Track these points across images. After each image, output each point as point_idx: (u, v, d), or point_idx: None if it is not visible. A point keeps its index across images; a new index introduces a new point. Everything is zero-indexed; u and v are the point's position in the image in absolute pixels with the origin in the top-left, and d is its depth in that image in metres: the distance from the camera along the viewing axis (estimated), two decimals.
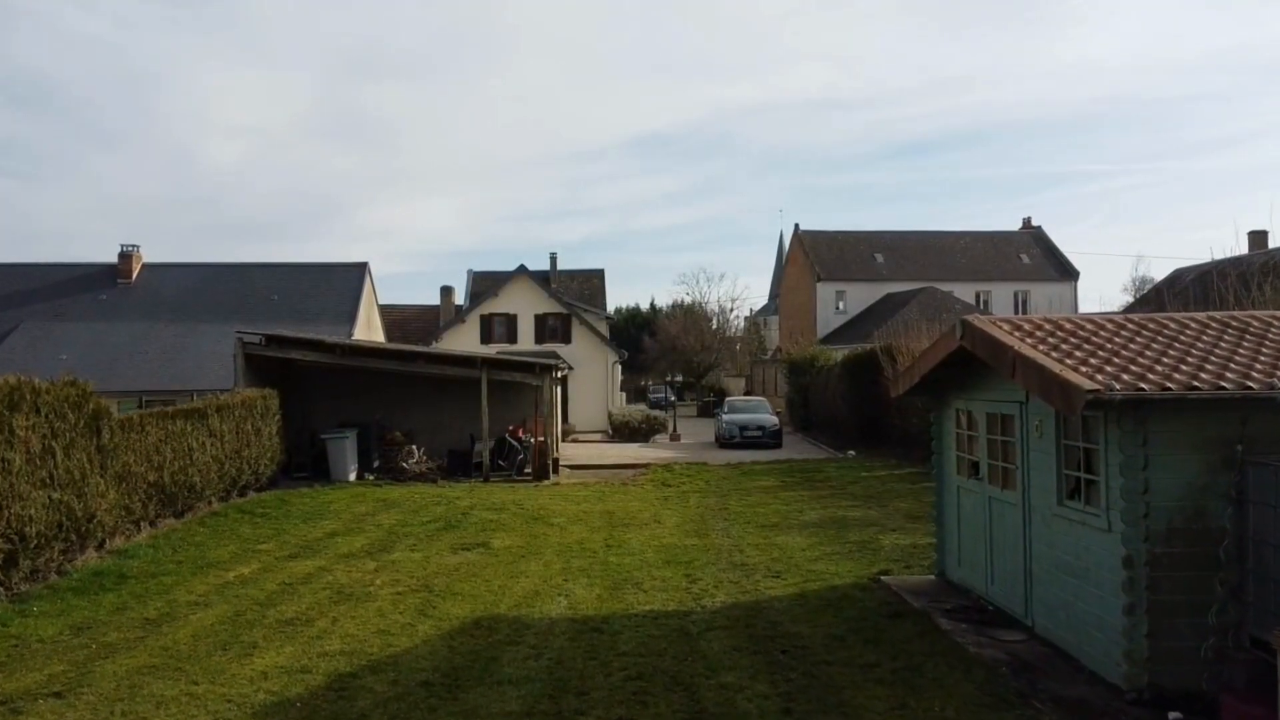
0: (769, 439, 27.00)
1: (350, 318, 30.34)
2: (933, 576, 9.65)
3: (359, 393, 21.84)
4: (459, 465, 20.09)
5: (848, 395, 25.31)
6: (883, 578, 9.71)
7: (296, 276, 32.28)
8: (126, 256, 31.72)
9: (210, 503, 15.14)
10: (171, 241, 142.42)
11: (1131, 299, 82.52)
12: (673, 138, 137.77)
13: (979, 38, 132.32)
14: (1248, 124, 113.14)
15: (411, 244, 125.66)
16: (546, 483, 19.11)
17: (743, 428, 27.29)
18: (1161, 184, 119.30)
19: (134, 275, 31.78)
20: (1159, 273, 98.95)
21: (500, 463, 20.80)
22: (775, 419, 28.07)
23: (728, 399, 32.57)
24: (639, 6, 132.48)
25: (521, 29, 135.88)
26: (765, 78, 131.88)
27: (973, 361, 8.25)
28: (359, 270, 32.90)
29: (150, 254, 33.06)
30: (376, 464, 20.48)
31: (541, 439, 19.84)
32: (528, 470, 20.22)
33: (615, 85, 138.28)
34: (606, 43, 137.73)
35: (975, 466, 8.61)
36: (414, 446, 20.74)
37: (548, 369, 19.73)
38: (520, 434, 21.23)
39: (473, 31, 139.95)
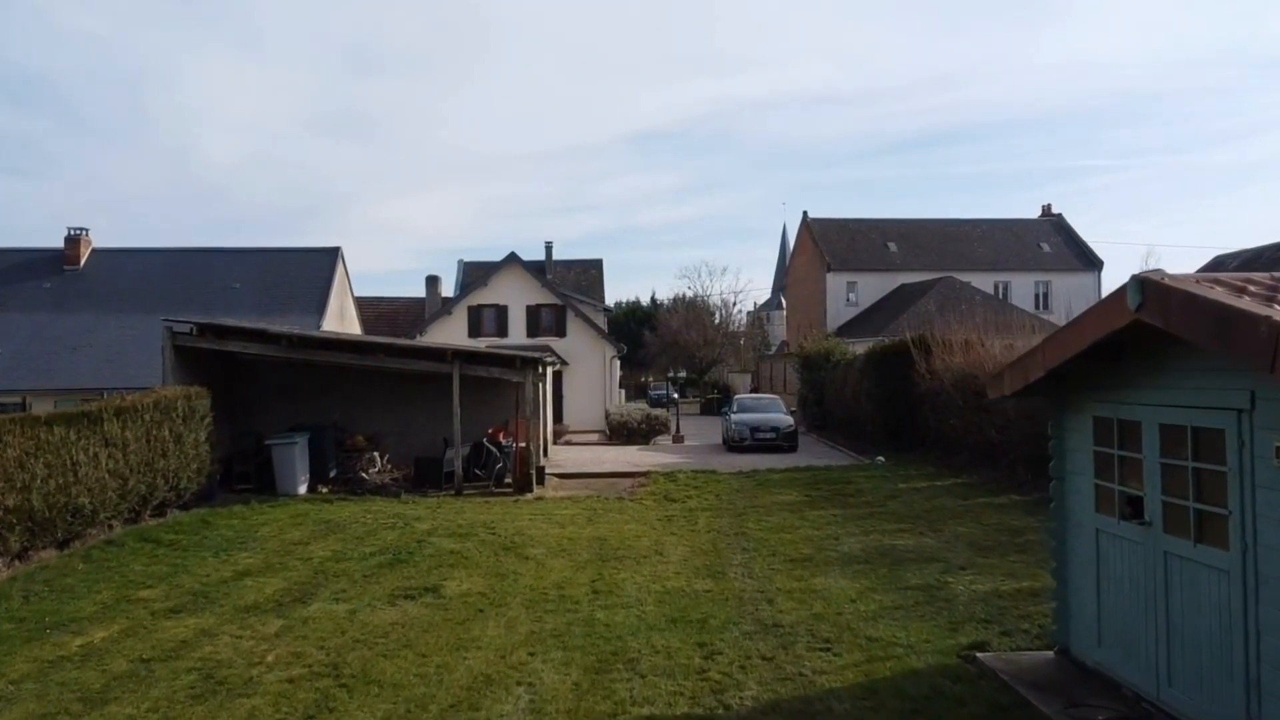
0: (783, 441, 24.16)
1: (320, 307, 27.50)
2: (1051, 653, 6.82)
3: (317, 391, 19.06)
4: (428, 475, 17.27)
5: (874, 392, 22.49)
6: (979, 655, 6.88)
7: (261, 263, 29.39)
8: (74, 241, 28.82)
9: (110, 527, 12.34)
10: (168, 238, 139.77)
11: None
12: (673, 134, 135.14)
13: (977, 33, 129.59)
14: (1248, 119, 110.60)
15: (410, 241, 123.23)
16: (529, 496, 16.29)
17: (754, 429, 24.43)
18: (1162, 179, 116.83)
19: (82, 261, 28.89)
20: (1168, 266, 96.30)
21: (477, 471, 17.99)
22: (790, 419, 25.23)
23: (736, 397, 29.76)
24: (638, 2, 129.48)
25: (520, 25, 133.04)
26: (765, 73, 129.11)
27: (1139, 344, 5.44)
28: (330, 255, 30.04)
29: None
30: (334, 473, 17.68)
31: (523, 444, 17.02)
32: (508, 481, 17.41)
33: (614, 81, 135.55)
34: (605, 38, 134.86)
35: (1135, 504, 5.78)
36: (376, 454, 17.93)
37: (531, 363, 16.90)
38: (501, 438, 18.42)
39: (471, 27, 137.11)
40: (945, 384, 19.05)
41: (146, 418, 13.04)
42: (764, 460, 21.69)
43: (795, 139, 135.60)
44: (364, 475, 17.08)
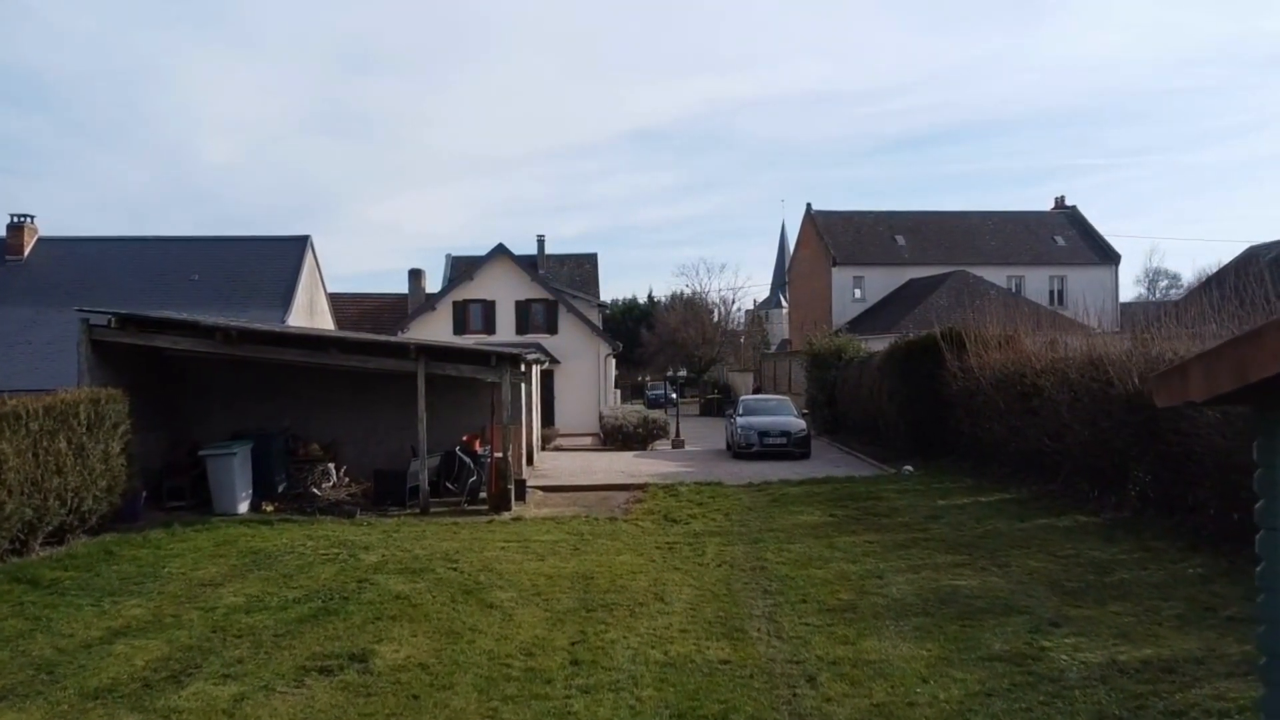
0: (795, 448, 21.85)
1: (285, 301, 25.13)
2: None
3: (267, 394, 16.76)
4: (389, 490, 14.93)
5: (897, 393, 20.18)
6: None
7: (222, 252, 26.99)
8: (17, 228, 26.41)
9: None
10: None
11: (1145, 290, 77.64)
12: (669, 132, 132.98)
13: (972, 32, 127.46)
14: (1243, 117, 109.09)
15: (405, 241, 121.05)
16: (506, 515, 13.98)
17: (763, 434, 22.10)
18: (1159, 177, 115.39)
19: (26, 251, 26.48)
20: (1172, 263, 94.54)
21: (449, 485, 15.69)
22: (802, 423, 22.90)
23: (742, 398, 27.43)
24: (634, 1, 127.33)
25: (515, 24, 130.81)
26: (762, 71, 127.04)
27: None
28: (298, 245, 27.63)
29: None
30: (282, 487, 15.34)
31: (499, 455, 14.69)
32: (483, 496, 15.11)
33: (610, 79, 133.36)
34: (600, 37, 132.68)
35: None
36: (331, 465, 15.62)
37: (508, 361, 14.56)
38: (477, 446, 16.13)
39: (467, 26, 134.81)
40: (983, 384, 16.78)
41: (33, 426, 10.70)
42: (775, 469, 19.39)
43: (793, 138, 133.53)
44: (315, 491, 14.76)
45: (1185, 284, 75.55)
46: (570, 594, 8.97)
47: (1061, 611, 8.01)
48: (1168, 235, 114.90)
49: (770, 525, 12.67)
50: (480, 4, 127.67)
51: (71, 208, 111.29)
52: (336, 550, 11.09)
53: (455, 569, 10.04)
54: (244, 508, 14.30)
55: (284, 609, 8.48)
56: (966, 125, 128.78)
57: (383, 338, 17.34)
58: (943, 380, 18.14)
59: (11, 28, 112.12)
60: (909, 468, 18.05)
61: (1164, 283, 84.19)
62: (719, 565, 10.22)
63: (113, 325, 13.80)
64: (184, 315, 14.91)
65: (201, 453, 14.34)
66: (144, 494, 14.04)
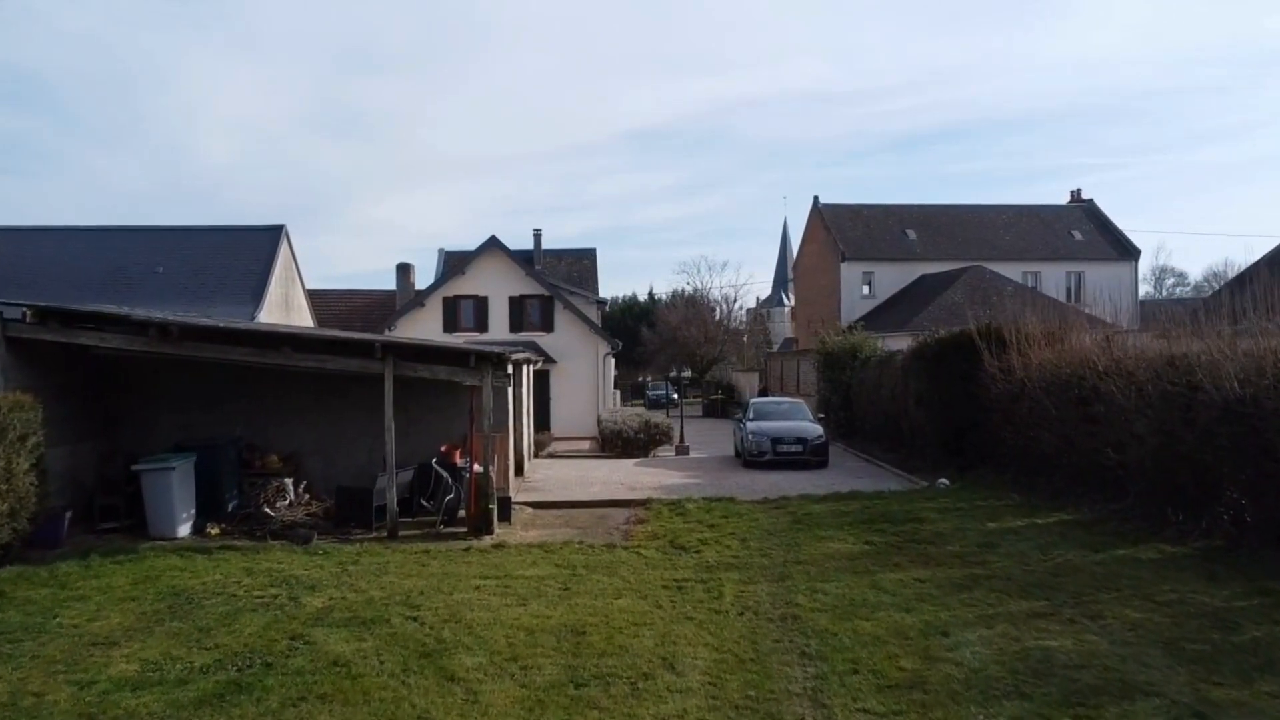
0: (812, 456, 19.92)
1: (256, 295, 23.17)
2: None
3: (221, 399, 14.85)
4: (354, 510, 12.98)
5: (926, 396, 18.24)
6: None
7: (189, 243, 25.02)
8: None
9: None
10: None
11: (1151, 289, 75.51)
12: (668, 132, 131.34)
13: (970, 32, 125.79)
14: (1243, 117, 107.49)
15: (405, 240, 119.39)
16: (486, 540, 12.04)
17: (776, 440, 20.16)
18: (1160, 176, 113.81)
19: None
20: (1178, 263, 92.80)
21: (424, 502, 13.78)
22: (819, 429, 20.94)
23: (751, 401, 25.47)
24: (633, 1, 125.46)
25: (514, 25, 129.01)
26: (761, 72, 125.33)
27: None
28: (272, 235, 25.64)
29: None
30: (233, 505, 13.41)
31: (480, 469, 12.76)
32: (462, 515, 13.19)
33: (611, 80, 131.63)
34: (600, 37, 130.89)
35: None
36: (289, 481, 13.67)
37: (490, 361, 12.60)
38: (457, 458, 14.19)
39: (467, 27, 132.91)
40: (1029, 387, 14.87)
41: None
42: (791, 481, 17.47)
43: (793, 138, 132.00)
44: (268, 511, 12.82)
45: (1192, 282, 73.86)
46: (556, 659, 7.04)
47: (1199, 692, 6.09)
48: (1180, 232, 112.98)
49: (796, 555, 10.73)
50: (480, 4, 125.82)
51: (70, 208, 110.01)
52: (275, 591, 9.16)
53: (415, 618, 8.12)
54: (185, 530, 12.40)
55: (183, 683, 6.55)
56: (967, 125, 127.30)
57: (344, 334, 15.39)
58: (979, 382, 16.23)
59: (11, 28, 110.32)
60: (944, 481, 16.12)
61: (1170, 280, 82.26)
62: (740, 613, 8.29)
63: (29, 320, 11.86)
64: (116, 309, 12.96)
65: (135, 467, 12.41)
66: (68, 515, 12.11)
